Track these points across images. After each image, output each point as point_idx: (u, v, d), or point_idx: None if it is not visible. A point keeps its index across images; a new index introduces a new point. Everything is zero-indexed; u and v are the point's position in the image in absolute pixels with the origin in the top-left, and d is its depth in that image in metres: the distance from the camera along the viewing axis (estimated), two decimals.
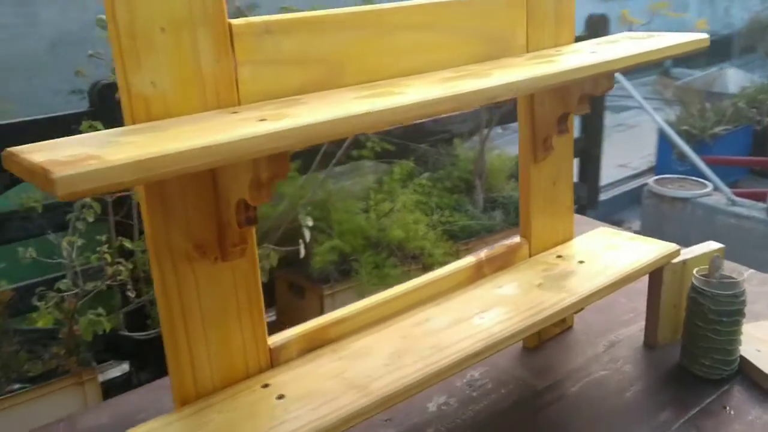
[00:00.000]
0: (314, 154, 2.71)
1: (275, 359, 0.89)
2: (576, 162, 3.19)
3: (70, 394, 2.24)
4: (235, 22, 0.77)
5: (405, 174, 3.20)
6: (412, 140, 3.27)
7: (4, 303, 2.21)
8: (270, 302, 3.09)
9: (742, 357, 1.12)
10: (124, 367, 2.76)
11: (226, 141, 0.63)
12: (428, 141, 3.36)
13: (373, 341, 0.93)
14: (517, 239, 1.17)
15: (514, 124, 1.24)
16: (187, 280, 0.80)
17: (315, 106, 0.76)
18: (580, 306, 1.04)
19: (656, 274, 1.17)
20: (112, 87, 2.01)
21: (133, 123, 0.72)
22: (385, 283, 2.58)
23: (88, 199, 1.97)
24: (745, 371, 1.12)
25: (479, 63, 0.99)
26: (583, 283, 1.06)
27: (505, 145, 3.80)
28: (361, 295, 1.00)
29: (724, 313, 1.07)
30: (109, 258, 1.94)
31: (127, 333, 2.20)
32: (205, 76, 0.76)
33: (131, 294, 2.04)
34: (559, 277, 1.09)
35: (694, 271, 1.11)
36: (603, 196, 4.33)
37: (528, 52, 1.06)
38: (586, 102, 1.06)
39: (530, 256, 1.17)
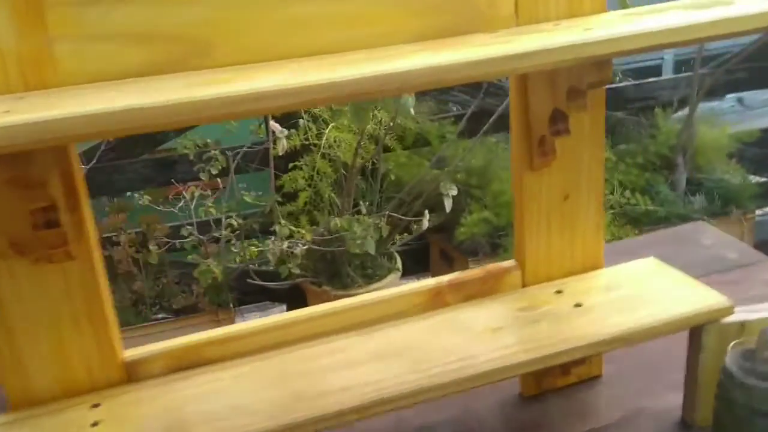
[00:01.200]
0: (488, 116, 2.51)
1: (132, 375, 0.79)
2: None
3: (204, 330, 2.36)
4: None
5: None
6: (606, 107, 2.89)
7: (161, 236, 2.37)
8: (425, 266, 2.99)
9: None
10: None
11: None
12: (626, 108, 2.95)
13: (247, 372, 0.79)
14: (507, 263, 0.92)
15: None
16: (3, 280, 0.72)
17: (99, 96, 0.62)
18: (520, 371, 0.79)
19: (696, 334, 0.85)
20: None
21: None
22: None
23: None
24: None
25: (429, 41, 0.76)
26: (556, 337, 0.80)
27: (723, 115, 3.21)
28: None
29: (760, 414, 0.75)
30: None
31: None
32: (6, 52, 0.66)
33: None
34: (533, 321, 0.83)
35: (730, 345, 0.79)
36: None
37: (518, 25, 0.80)
38: (582, 98, 0.78)
39: (523, 285, 0.92)
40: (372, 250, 2.32)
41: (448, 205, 2.41)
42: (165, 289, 2.40)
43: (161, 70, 0.70)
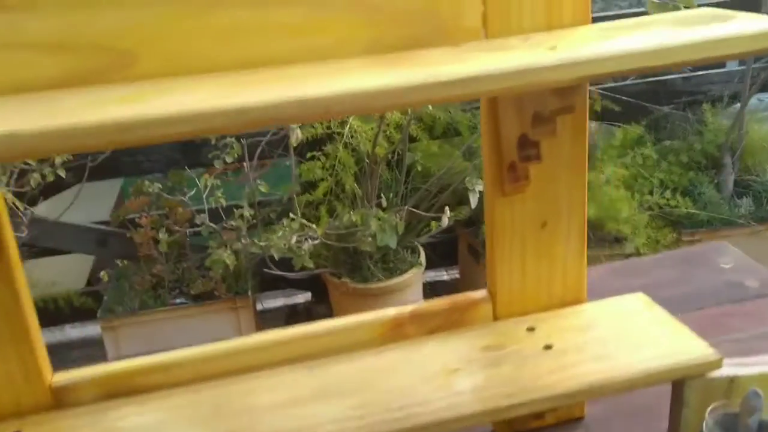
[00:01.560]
0: None
1: (60, 400, 0.75)
2: None
3: (224, 318, 2.35)
4: None
5: (629, 141, 2.71)
6: (650, 100, 2.74)
7: (183, 221, 2.35)
8: (452, 260, 2.91)
9: None
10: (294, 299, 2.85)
11: None
12: (672, 103, 2.79)
13: (181, 405, 0.74)
14: (477, 293, 0.85)
15: None
16: None
17: None
18: (471, 422, 0.71)
19: (678, 387, 0.76)
20: None
21: None
22: None
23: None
24: None
25: (381, 54, 0.69)
26: (516, 385, 0.72)
27: None
28: None
29: None
30: None
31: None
32: None
33: None
34: (495, 364, 0.76)
35: (710, 407, 0.70)
36: None
37: (487, 38, 0.72)
38: (550, 124, 0.69)
39: (495, 319, 0.84)
40: (393, 244, 2.26)
41: (473, 200, 2.33)
42: (185, 273, 2.39)
43: (81, 82, 0.64)
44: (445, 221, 2.12)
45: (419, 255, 2.50)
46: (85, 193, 2.46)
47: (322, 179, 2.28)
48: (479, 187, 2.31)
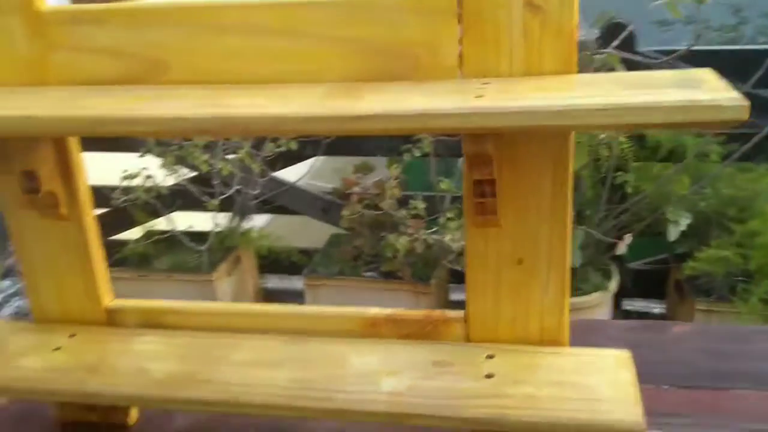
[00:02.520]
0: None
1: (111, 320, 0.98)
2: None
3: (404, 299, 2.55)
4: (46, 9, 0.84)
5: None
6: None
7: (395, 198, 2.57)
8: (661, 293, 2.76)
9: None
10: None
11: None
12: None
13: (176, 343, 0.92)
14: (453, 313, 0.89)
15: None
16: (26, 225, 0.95)
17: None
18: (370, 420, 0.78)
19: None
20: None
21: None
22: None
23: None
24: None
25: (361, 82, 0.78)
26: (428, 399, 0.78)
27: None
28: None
29: None
30: None
31: None
32: (19, 56, 0.86)
33: None
34: (430, 378, 0.81)
35: None
36: None
37: (463, 77, 0.77)
38: (485, 166, 0.72)
39: (468, 340, 0.88)
40: (576, 263, 2.23)
41: (673, 233, 2.20)
42: (381, 251, 2.61)
43: (129, 81, 0.84)
44: (622, 249, 2.05)
45: (610, 278, 2.42)
46: (323, 165, 2.81)
47: None
48: (686, 220, 2.17)
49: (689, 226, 2.26)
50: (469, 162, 0.75)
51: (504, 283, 0.85)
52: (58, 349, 0.93)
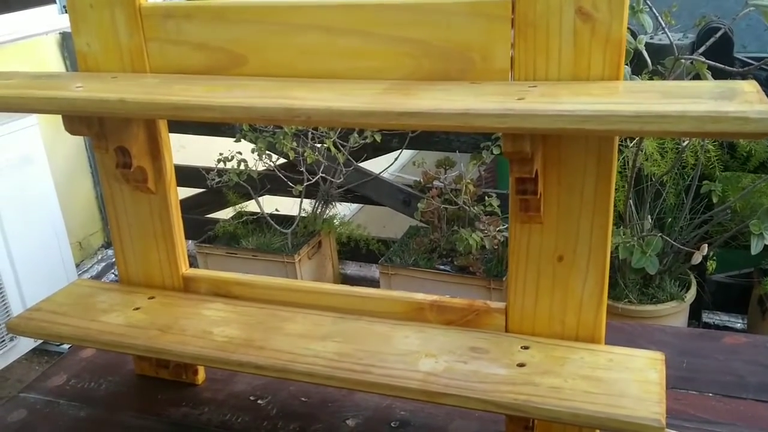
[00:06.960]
0: None
1: (186, 286, 1.08)
2: None
3: (476, 293, 2.58)
4: (144, 4, 0.94)
5: None
6: None
7: (472, 194, 2.61)
8: (744, 308, 2.68)
9: None
10: None
11: None
12: None
13: (242, 311, 1.01)
14: (495, 304, 0.94)
15: None
16: (118, 197, 1.06)
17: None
18: (400, 394, 0.83)
19: None
20: None
21: (83, 70, 1.00)
22: None
23: None
24: None
25: (418, 81, 0.84)
26: (459, 381, 0.83)
27: None
28: None
29: None
30: None
31: None
32: (122, 45, 0.96)
33: None
34: (464, 362, 0.86)
35: None
36: None
37: (513, 80, 0.82)
38: (526, 165, 0.76)
39: (507, 330, 0.93)
40: (651, 270, 2.21)
41: (754, 246, 2.14)
42: (456, 245, 2.66)
43: (214, 72, 0.93)
44: (698, 258, 2.01)
45: (688, 289, 2.38)
46: (409, 159, 2.87)
47: None
48: None
49: None
50: (510, 160, 0.79)
51: (544, 279, 0.89)
52: (137, 309, 1.04)
